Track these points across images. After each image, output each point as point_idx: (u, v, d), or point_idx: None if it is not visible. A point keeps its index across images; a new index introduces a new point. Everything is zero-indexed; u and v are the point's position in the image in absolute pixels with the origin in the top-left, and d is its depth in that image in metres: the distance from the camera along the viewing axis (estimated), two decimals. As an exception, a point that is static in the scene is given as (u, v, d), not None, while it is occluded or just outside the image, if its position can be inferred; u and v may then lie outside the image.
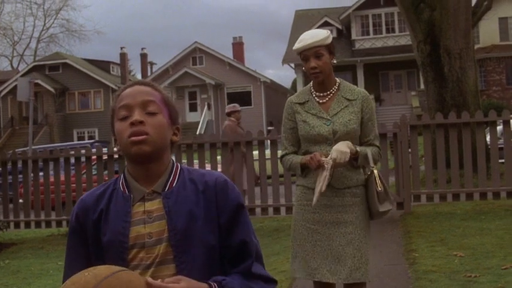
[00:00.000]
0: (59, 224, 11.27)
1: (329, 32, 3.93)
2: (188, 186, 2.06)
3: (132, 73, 62.04)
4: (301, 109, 3.92)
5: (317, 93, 3.92)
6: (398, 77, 41.76)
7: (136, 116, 1.98)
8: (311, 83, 3.98)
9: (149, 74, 51.70)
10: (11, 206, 11.53)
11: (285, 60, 43.50)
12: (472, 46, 13.76)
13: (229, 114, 12.31)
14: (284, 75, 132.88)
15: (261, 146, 10.66)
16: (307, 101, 3.92)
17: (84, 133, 48.01)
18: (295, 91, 43.92)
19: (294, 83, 47.78)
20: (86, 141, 37.03)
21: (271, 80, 46.55)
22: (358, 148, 3.79)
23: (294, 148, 3.99)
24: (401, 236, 8.42)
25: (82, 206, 2.09)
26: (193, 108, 44.86)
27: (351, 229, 3.82)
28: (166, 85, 43.98)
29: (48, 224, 11.29)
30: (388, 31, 41.18)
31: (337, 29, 42.82)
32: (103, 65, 52.00)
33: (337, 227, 3.83)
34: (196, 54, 46.44)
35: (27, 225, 11.39)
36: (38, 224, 11.33)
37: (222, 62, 45.86)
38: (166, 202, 2.01)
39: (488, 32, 40.21)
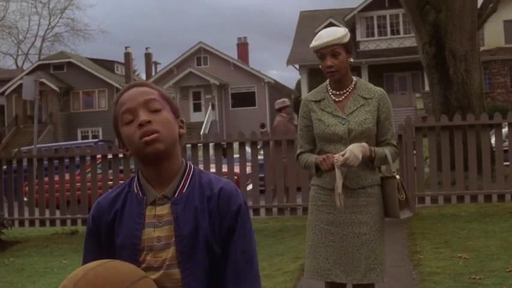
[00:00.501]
0: (63, 222, 11.29)
1: (347, 30, 3.89)
2: (197, 191, 2.07)
3: (136, 73, 62.14)
4: (317, 107, 3.89)
5: (333, 92, 3.89)
6: (402, 78, 41.76)
7: (143, 116, 1.98)
8: (327, 81, 3.94)
9: (153, 73, 51.71)
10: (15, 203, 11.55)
11: (290, 61, 43.54)
12: (477, 48, 13.75)
13: (279, 109, 12.17)
14: (288, 76, 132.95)
15: (266, 146, 10.67)
16: (323, 99, 3.89)
17: (88, 132, 48.06)
18: (299, 92, 44.08)
19: (298, 83, 47.76)
20: (90, 140, 37.07)
21: (275, 80, 46.55)
22: (374, 149, 3.76)
23: (309, 146, 3.97)
24: (406, 237, 8.42)
25: (98, 208, 2.12)
26: (197, 108, 44.87)
27: (366, 230, 3.80)
28: (171, 85, 44.03)
29: (52, 222, 11.31)
30: (393, 33, 41.15)
31: (342, 30, 42.73)
32: (107, 65, 52.08)
33: (351, 227, 3.81)
34: (200, 54, 46.44)
35: (32, 223, 11.40)
36: (42, 223, 11.34)
37: (226, 62, 45.85)
38: (175, 208, 2.03)
39: (493, 35, 40.18)
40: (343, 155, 3.65)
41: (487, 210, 9.91)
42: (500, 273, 6.16)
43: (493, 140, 10.88)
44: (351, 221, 3.81)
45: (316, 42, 3.81)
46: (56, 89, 46.00)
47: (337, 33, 3.80)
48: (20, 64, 63.74)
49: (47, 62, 49.70)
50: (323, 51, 3.78)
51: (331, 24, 41.43)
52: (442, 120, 10.25)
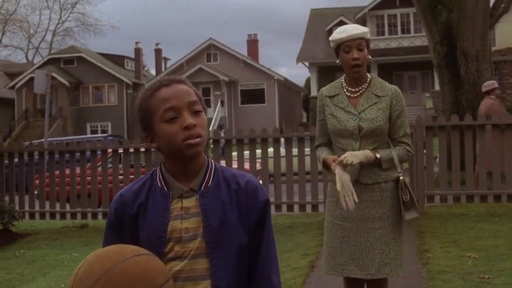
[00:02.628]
0: (73, 216, 11.35)
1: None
2: (222, 185, 2.13)
3: (146, 68, 62.21)
4: (330, 102, 3.93)
5: (348, 88, 3.92)
6: (412, 78, 41.70)
7: (189, 119, 2.03)
8: (343, 77, 3.98)
9: (163, 69, 51.80)
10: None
11: (300, 59, 43.53)
12: (489, 48, 13.73)
13: (488, 92, 11.97)
14: (296, 73, 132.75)
15: (276, 143, 10.71)
16: (337, 95, 3.92)
17: (97, 127, 48.18)
18: (309, 90, 44.07)
19: (308, 81, 47.74)
20: (100, 134, 37.18)
21: (285, 78, 46.55)
22: (378, 155, 3.77)
23: (326, 138, 4.03)
24: (415, 236, 8.44)
25: (120, 201, 2.16)
26: (206, 104, 44.59)
27: (379, 224, 3.83)
28: (180, 81, 43.92)
29: (62, 215, 11.37)
30: (403, 32, 41.09)
31: (352, 28, 42.69)
32: (117, 60, 52.16)
33: (365, 222, 3.84)
34: (211, 50, 46.50)
35: (42, 216, 11.47)
36: (52, 215, 11.41)
37: (236, 59, 45.89)
38: (203, 201, 2.09)
39: (504, 35, 40.00)
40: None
41: (496, 210, 9.92)
42: (509, 273, 6.19)
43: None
44: (365, 216, 3.85)
45: (341, 34, 3.81)
46: (66, 83, 46.12)
47: (362, 28, 3.85)
48: (30, 58, 64.00)
49: (57, 56, 49.82)
50: (349, 44, 3.80)
51: (341, 23, 41.45)
52: (453, 119, 10.26)
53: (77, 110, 47.76)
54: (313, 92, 41.94)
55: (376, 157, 3.76)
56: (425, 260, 7.03)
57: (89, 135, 32.25)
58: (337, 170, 3.68)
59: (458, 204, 10.25)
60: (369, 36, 3.86)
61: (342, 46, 3.83)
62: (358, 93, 3.90)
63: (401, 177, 3.85)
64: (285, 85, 47.51)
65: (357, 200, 3.66)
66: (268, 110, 44.24)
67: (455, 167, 10.14)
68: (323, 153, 3.95)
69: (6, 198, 11.37)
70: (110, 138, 25.91)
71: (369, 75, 3.93)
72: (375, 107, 3.84)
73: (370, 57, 3.89)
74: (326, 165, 3.84)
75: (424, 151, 10.28)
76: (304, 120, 51.37)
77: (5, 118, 49.28)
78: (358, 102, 3.87)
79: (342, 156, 3.70)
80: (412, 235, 8.48)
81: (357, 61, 3.80)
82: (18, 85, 47.10)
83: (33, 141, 22.02)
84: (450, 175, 10.32)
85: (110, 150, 11.39)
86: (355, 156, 3.68)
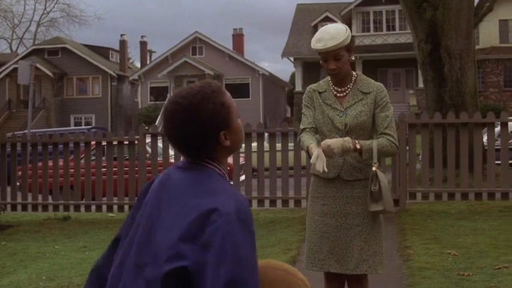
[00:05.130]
0: (55, 208, 11.32)
1: (347, 28, 3.86)
2: None
3: (131, 60, 61.93)
4: (319, 97, 3.97)
5: (335, 87, 3.96)
6: (396, 75, 41.85)
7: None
8: (329, 77, 4.00)
9: (148, 62, 51.60)
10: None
11: (285, 54, 43.57)
12: (473, 47, 13.82)
13: None
14: (280, 68, 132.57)
15: (260, 138, 10.73)
16: (325, 91, 3.96)
17: (81, 119, 47.96)
18: (294, 85, 44.08)
19: (293, 76, 47.79)
20: (83, 126, 37.02)
21: (269, 72, 46.54)
22: (358, 145, 3.76)
23: (310, 125, 4.00)
24: (396, 232, 8.50)
25: None
26: (191, 97, 44.73)
27: (359, 221, 3.85)
28: (165, 74, 43.95)
29: (45, 207, 11.34)
30: (388, 28, 41.19)
31: (338, 24, 42.76)
32: (102, 52, 51.88)
33: (345, 218, 3.87)
34: (196, 44, 46.34)
35: (24, 208, 11.43)
36: (34, 207, 11.38)
37: (221, 53, 45.77)
38: None
39: (488, 34, 40.28)
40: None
41: (477, 208, 10.00)
42: (489, 270, 6.24)
43: (485, 139, 10.97)
44: (345, 212, 3.87)
45: (318, 44, 3.79)
46: (50, 74, 45.82)
47: (339, 35, 3.76)
48: (14, 48, 63.49)
49: (41, 47, 49.49)
50: (325, 55, 3.81)
51: (327, 18, 41.54)
52: (436, 117, 10.33)
53: (61, 102, 47.49)
54: (298, 87, 42.05)
55: (355, 147, 3.75)
56: (406, 256, 7.08)
57: (73, 127, 32.12)
58: (316, 150, 3.68)
59: (440, 202, 10.33)
60: (348, 41, 3.80)
61: (320, 54, 3.84)
62: (345, 93, 3.93)
63: (374, 168, 3.83)
64: (270, 80, 47.49)
65: (326, 170, 3.65)
66: (252, 104, 44.21)
67: (437, 165, 10.21)
68: (307, 140, 3.90)
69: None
70: (94, 130, 25.83)
71: (354, 74, 3.96)
72: (360, 103, 3.88)
73: (352, 58, 3.90)
74: (309, 153, 3.84)
75: (407, 148, 10.35)
76: (289, 115, 51.42)
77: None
78: (344, 100, 3.91)
79: (323, 142, 3.71)
80: (393, 231, 8.54)
81: (334, 71, 3.84)
82: (1, 75, 46.74)
83: (16, 133, 21.90)
84: (432, 172, 10.39)
85: (93, 142, 11.35)
86: (333, 146, 3.67)
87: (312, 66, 41.20)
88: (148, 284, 1.98)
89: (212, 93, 2.12)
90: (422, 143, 10.33)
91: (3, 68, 46.92)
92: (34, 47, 49.99)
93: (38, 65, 44.41)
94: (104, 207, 11.19)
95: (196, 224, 1.97)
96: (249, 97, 44.85)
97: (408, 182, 10.24)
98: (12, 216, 11.60)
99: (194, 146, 2.12)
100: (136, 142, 11.00)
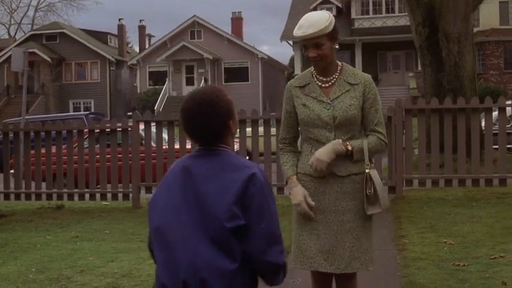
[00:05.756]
0: (49, 197, 11.21)
1: (330, 15, 3.68)
2: None
3: (129, 45, 61.70)
4: (301, 92, 3.77)
5: (319, 77, 3.77)
6: (396, 57, 41.62)
7: None
8: (312, 67, 3.82)
9: (147, 46, 51.39)
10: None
11: (284, 37, 43.30)
12: (471, 31, 13.64)
13: None
14: (280, 52, 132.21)
15: (255, 124, 10.59)
16: (308, 84, 3.77)
17: (80, 104, 47.88)
18: (293, 68, 43.90)
19: (292, 60, 47.55)
20: (81, 112, 36.88)
21: (268, 56, 46.32)
22: (350, 146, 3.63)
23: (292, 134, 3.87)
24: (392, 220, 8.39)
25: None
26: (190, 82, 44.68)
27: (349, 217, 3.70)
28: (164, 58, 43.85)
29: (38, 196, 11.24)
30: (387, 11, 40.95)
31: (337, 7, 42.57)
32: (101, 36, 51.73)
33: (335, 215, 3.71)
34: (194, 28, 46.15)
35: (17, 197, 11.32)
36: (28, 196, 11.27)
37: (220, 37, 45.59)
38: None
39: (488, 16, 40.00)
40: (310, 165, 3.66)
41: (474, 195, 9.89)
42: (485, 260, 6.14)
43: (483, 124, 10.83)
44: (335, 208, 3.71)
45: (298, 31, 3.65)
46: (48, 59, 45.69)
47: (319, 23, 3.60)
48: (12, 34, 63.20)
49: (39, 32, 49.35)
50: (306, 43, 3.66)
51: (326, 1, 41.27)
52: (433, 103, 10.19)
53: (59, 87, 47.35)
54: (297, 70, 41.81)
55: (347, 149, 3.62)
56: (401, 246, 6.97)
57: (70, 113, 31.98)
58: (297, 198, 3.66)
59: (437, 188, 10.23)
60: (329, 29, 3.62)
61: (302, 41, 3.70)
62: (330, 83, 3.75)
63: (367, 170, 3.70)
64: (269, 63, 47.29)
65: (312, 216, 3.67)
66: (252, 88, 44.06)
67: (435, 151, 10.08)
68: (287, 167, 3.81)
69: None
70: (91, 116, 25.73)
71: (339, 63, 3.79)
72: (348, 94, 3.70)
73: (336, 46, 3.72)
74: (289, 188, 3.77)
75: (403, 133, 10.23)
76: (288, 98, 51.26)
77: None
78: (330, 91, 3.73)
79: (311, 165, 3.60)
80: (388, 220, 8.43)
81: (314, 59, 3.68)
82: (-1, 61, 46.58)
83: (9, 120, 21.78)
84: (429, 158, 10.27)
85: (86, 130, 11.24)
86: (321, 161, 3.56)
87: (311, 50, 40.92)
88: (215, 242, 2.52)
89: (219, 92, 2.72)
90: (418, 129, 10.19)
91: (1, 53, 46.69)
92: (32, 32, 49.84)
93: (36, 51, 44.47)
94: (98, 195, 11.07)
95: (242, 190, 2.54)
96: (248, 81, 44.71)
97: (405, 168, 10.10)
98: (6, 205, 11.49)
99: (214, 135, 2.67)
100: (129, 129, 10.87)
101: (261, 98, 43.81)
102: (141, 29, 54.65)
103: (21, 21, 64.34)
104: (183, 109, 2.69)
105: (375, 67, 40.73)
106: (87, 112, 31.91)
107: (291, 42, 43.36)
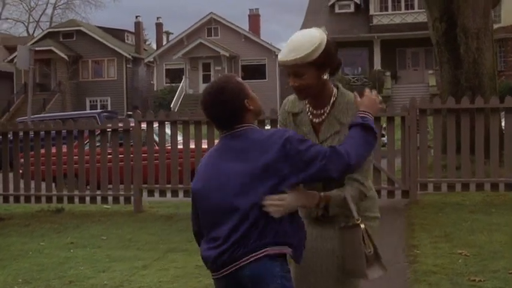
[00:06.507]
0: (49, 199, 10.83)
1: (321, 39, 3.05)
2: None
3: (147, 42, 61.53)
4: (293, 121, 3.26)
5: (311, 109, 3.23)
6: (415, 54, 40.86)
7: None
8: None
9: (165, 43, 51.11)
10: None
11: (301, 34, 42.70)
12: (490, 26, 13.05)
13: None
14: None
15: (274, 124, 10.09)
16: (301, 113, 3.24)
17: (96, 101, 47.68)
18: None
19: (310, 57, 46.95)
20: (94, 110, 36.60)
21: (286, 53, 45.67)
22: (328, 195, 3.03)
23: None
24: (404, 228, 7.92)
25: None
26: (206, 79, 44.23)
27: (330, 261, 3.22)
28: (181, 56, 43.58)
29: (38, 199, 10.85)
30: (407, 7, 40.26)
31: (355, 3, 42.00)
32: (118, 34, 51.51)
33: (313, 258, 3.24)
34: (211, 25, 45.85)
35: (17, 199, 10.95)
36: (27, 199, 10.91)
37: (237, 34, 45.26)
38: None
39: (510, 11, 39.11)
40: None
41: (493, 200, 9.35)
42: (502, 275, 5.66)
43: (503, 124, 10.24)
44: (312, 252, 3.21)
45: (279, 55, 3.11)
46: (65, 57, 45.59)
47: (302, 48, 3.02)
48: (31, 31, 63.24)
49: (56, 30, 49.28)
50: (286, 69, 3.11)
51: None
52: (449, 102, 9.63)
53: (76, 85, 47.21)
54: (315, 68, 41.24)
55: (320, 197, 3.00)
56: (412, 257, 6.49)
57: (82, 111, 31.60)
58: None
59: (453, 193, 9.68)
60: (314, 56, 3.01)
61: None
62: (321, 118, 3.18)
63: (362, 225, 3.05)
64: (287, 61, 46.73)
65: None
66: (269, 85, 43.54)
67: (451, 153, 9.53)
68: None
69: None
70: (104, 114, 25.38)
71: (334, 92, 3.19)
72: (336, 137, 3.11)
73: (324, 76, 3.09)
74: None
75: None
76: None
77: (5, 92, 48.64)
78: (320, 129, 3.18)
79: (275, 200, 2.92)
80: (401, 227, 7.96)
81: (295, 89, 3.11)
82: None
83: (21, 118, 21.53)
84: (445, 159, 9.74)
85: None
86: (285, 201, 2.89)
87: (329, 47, 40.40)
88: (271, 189, 2.81)
89: (228, 77, 2.97)
90: (434, 130, 9.68)
91: (19, 51, 46.61)
92: (49, 30, 49.78)
93: (53, 48, 44.53)
94: (99, 198, 10.66)
95: (281, 148, 2.80)
96: (265, 78, 44.28)
97: (419, 171, 9.56)
98: (5, 208, 11.14)
99: (229, 119, 2.89)
100: (131, 129, 10.44)
101: (279, 95, 43.34)
102: (159, 26, 54.42)
103: (39, 19, 64.50)
104: (200, 102, 2.98)
105: (394, 64, 40.06)
106: (100, 110, 31.56)
107: (308, 39, 42.72)
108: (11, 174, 11.15)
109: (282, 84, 44.33)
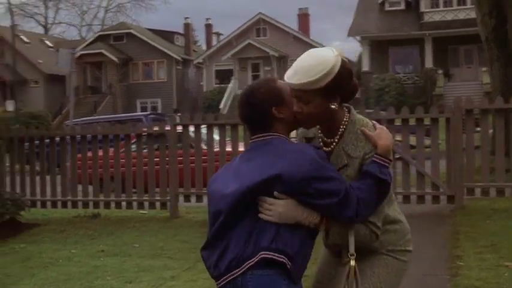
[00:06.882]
0: (85, 205, 10.68)
1: (334, 63, 2.68)
2: None
3: (197, 44, 61.71)
4: None
5: (322, 136, 2.90)
6: (468, 51, 39.76)
7: None
8: None
9: (213, 44, 51.17)
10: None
11: (351, 33, 42.09)
12: (543, 21, 12.40)
13: None
14: (350, 48, 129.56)
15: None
16: (313, 139, 2.93)
17: (147, 103, 47.97)
18: (361, 65, 42.71)
19: (361, 56, 46.30)
20: (142, 112, 36.65)
21: (336, 53, 45.12)
22: (324, 226, 2.71)
23: None
24: (448, 236, 7.45)
25: None
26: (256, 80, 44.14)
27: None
28: (229, 56, 43.56)
29: (74, 204, 10.71)
30: (459, 3, 39.22)
31: (406, 1, 41.16)
32: (167, 36, 51.80)
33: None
34: (260, 25, 45.69)
35: (54, 204, 10.83)
36: (64, 204, 10.78)
37: (286, 34, 44.99)
38: None
39: None
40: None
41: (547, 206, 8.79)
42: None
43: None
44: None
45: (286, 74, 2.77)
46: (116, 59, 45.99)
47: (309, 73, 2.65)
48: (84, 35, 64.14)
49: (107, 32, 49.82)
50: (291, 92, 2.76)
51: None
52: (497, 102, 9.10)
53: (127, 87, 47.61)
54: (365, 67, 40.62)
55: (313, 217, 2.65)
56: (454, 270, 6.06)
57: (129, 114, 31.61)
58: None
59: (503, 198, 9.13)
60: (322, 84, 2.65)
61: None
62: (330, 147, 2.85)
63: (352, 263, 2.75)
64: (337, 60, 46.20)
65: None
66: (319, 85, 43.10)
67: (499, 156, 9.01)
68: None
69: (9, 187, 10.74)
70: (151, 116, 25.38)
71: (344, 120, 2.83)
72: (344, 172, 2.76)
73: (333, 106, 2.74)
74: None
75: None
76: (358, 95, 50.06)
77: (57, 95, 49.36)
78: (329, 159, 2.82)
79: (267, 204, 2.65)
80: (445, 235, 7.51)
81: (298, 115, 2.75)
82: (68, 62, 47.07)
83: (68, 121, 21.60)
84: (493, 162, 9.22)
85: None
86: (280, 210, 2.61)
87: (380, 46, 39.80)
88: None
89: (265, 81, 2.84)
90: (481, 131, 9.16)
91: (70, 54, 47.23)
92: (100, 33, 50.35)
93: (104, 51, 45.07)
94: (135, 204, 10.46)
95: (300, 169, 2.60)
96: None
97: (465, 175, 9.06)
98: (43, 213, 11.04)
99: (255, 123, 2.77)
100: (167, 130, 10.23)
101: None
102: (208, 27, 54.46)
103: (91, 22, 65.34)
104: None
105: (446, 62, 39.06)
106: (147, 112, 31.58)
107: (358, 38, 42.14)
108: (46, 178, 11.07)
109: (332, 84, 43.77)
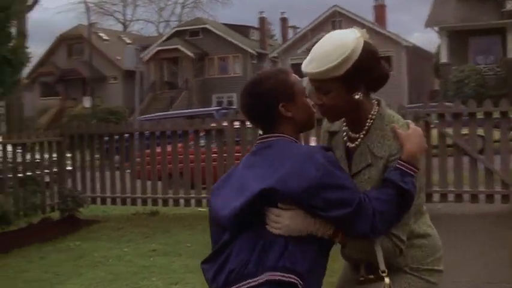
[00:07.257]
0: (144, 202, 10.60)
1: (354, 47, 2.37)
2: None
3: (274, 38, 61.60)
4: (329, 141, 2.65)
5: (347, 130, 2.59)
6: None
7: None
8: None
9: (289, 37, 50.94)
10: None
11: (428, 23, 40.99)
12: None
13: None
14: (429, 39, 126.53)
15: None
16: (337, 133, 2.61)
17: (223, 98, 48.15)
18: (439, 57, 41.58)
19: (439, 47, 45.11)
20: (217, 107, 36.73)
21: (414, 44, 44.25)
22: (338, 239, 2.41)
23: None
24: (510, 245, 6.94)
25: None
26: (331, 73, 43.68)
27: None
28: (304, 49, 43.08)
29: (133, 201, 10.66)
30: (543, -10, 37.69)
31: (486, -12, 39.79)
32: (242, 30, 51.86)
33: None
34: (335, 18, 45.12)
35: (113, 201, 10.82)
36: (123, 201, 10.75)
37: (362, 26, 43.49)
38: None
39: None
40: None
41: None
42: None
43: None
44: None
45: (303, 63, 2.50)
46: (191, 55, 46.33)
47: (326, 59, 2.37)
48: (161, 31, 65.01)
49: (183, 28, 50.26)
50: (310, 82, 2.48)
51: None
52: None
53: (202, 82, 47.92)
54: (443, 59, 39.47)
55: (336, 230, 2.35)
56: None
57: (201, 109, 31.66)
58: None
59: None
60: (341, 71, 2.35)
61: None
62: (355, 143, 2.52)
63: (387, 280, 2.41)
64: (415, 52, 45.19)
65: None
66: (396, 77, 42.07)
67: None
68: None
69: (69, 184, 10.79)
70: (222, 111, 25.30)
71: (372, 113, 2.50)
72: (366, 173, 2.44)
73: (356, 96, 2.42)
74: None
75: None
76: (437, 87, 48.79)
77: (134, 91, 50.14)
78: (353, 157, 2.51)
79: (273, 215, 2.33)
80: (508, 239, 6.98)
81: (319, 107, 2.47)
82: (146, 58, 47.71)
83: (142, 117, 21.79)
84: None
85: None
86: (291, 223, 2.31)
87: (459, 36, 38.56)
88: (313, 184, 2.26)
89: (277, 72, 2.51)
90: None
91: (148, 50, 47.86)
92: (176, 29, 50.82)
93: (179, 47, 45.56)
94: (193, 201, 10.30)
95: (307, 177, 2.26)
96: (392, 70, 42.95)
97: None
98: (104, 210, 11.08)
99: (258, 118, 2.47)
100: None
101: (407, 87, 41.95)
102: (283, 21, 54.25)
103: (169, 18, 66.18)
104: None
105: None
106: (219, 107, 31.57)
107: (436, 28, 40.98)
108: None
109: (409, 76, 42.97)
